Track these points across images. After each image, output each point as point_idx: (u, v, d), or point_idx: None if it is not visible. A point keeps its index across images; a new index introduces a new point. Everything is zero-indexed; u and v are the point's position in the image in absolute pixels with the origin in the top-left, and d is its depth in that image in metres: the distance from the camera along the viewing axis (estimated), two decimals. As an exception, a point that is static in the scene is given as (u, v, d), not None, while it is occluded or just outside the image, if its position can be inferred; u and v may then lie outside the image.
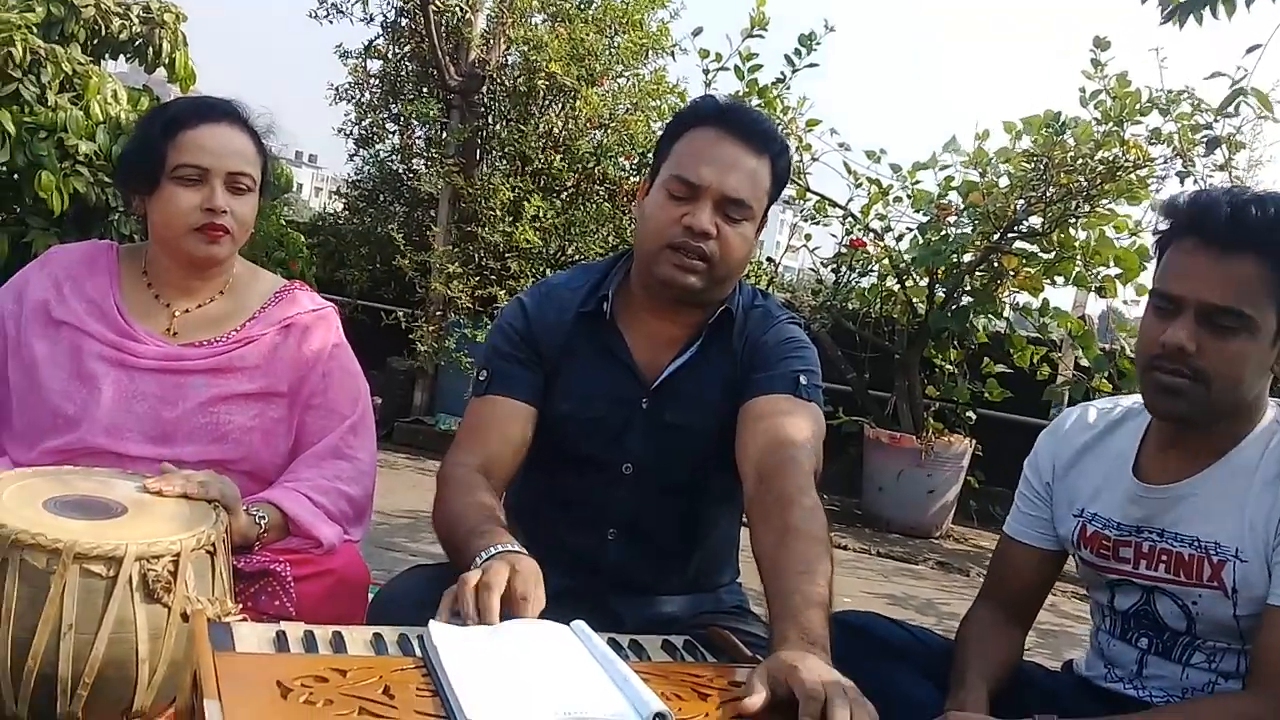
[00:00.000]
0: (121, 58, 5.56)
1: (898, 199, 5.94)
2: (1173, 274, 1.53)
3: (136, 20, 5.36)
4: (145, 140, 1.85)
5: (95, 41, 5.32)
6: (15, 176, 4.88)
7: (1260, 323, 1.47)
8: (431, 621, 1.27)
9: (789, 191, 5.55)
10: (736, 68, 5.72)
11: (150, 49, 5.45)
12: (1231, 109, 4.48)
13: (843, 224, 6.08)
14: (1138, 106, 5.13)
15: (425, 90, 7.04)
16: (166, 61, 5.49)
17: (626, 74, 6.73)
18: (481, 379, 1.78)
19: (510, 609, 1.32)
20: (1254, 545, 1.52)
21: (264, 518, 1.71)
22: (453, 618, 1.31)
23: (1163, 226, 1.59)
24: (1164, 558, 1.60)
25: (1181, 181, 5.08)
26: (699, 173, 1.68)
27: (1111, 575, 1.66)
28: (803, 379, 1.72)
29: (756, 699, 1.18)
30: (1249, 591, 1.52)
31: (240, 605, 1.49)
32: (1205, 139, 4.96)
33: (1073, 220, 5.39)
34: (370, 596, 1.80)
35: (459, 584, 1.35)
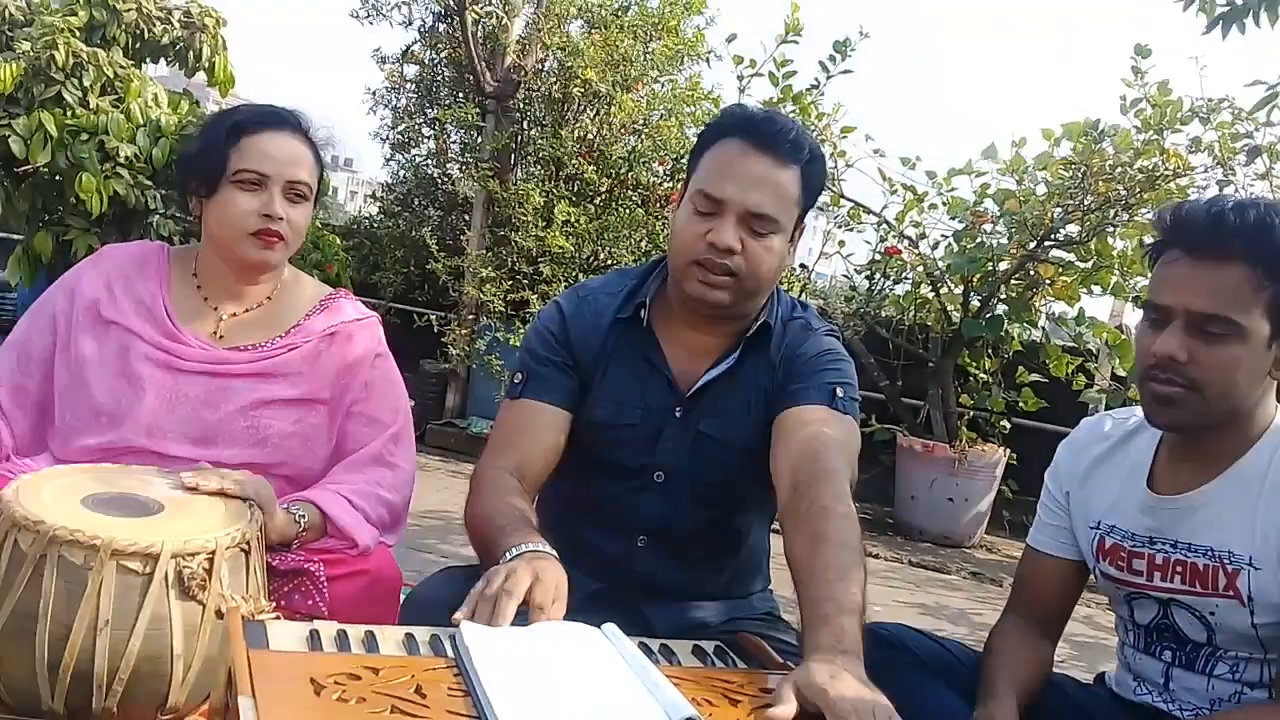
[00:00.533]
0: (162, 61, 5.62)
1: (933, 206, 5.91)
2: (1160, 285, 1.54)
3: (177, 24, 5.43)
4: (209, 143, 1.87)
5: (136, 45, 5.39)
6: (57, 178, 4.96)
7: (1249, 328, 1.47)
8: (464, 622, 1.28)
9: (823, 198, 5.53)
10: (771, 74, 5.71)
11: (190, 53, 5.52)
12: (1268, 116, 4.43)
13: (877, 230, 6.06)
14: (1179, 115, 5.08)
15: (461, 95, 7.09)
16: (206, 65, 5.56)
17: (661, 80, 6.74)
18: (516, 381, 1.78)
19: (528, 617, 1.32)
20: (1267, 553, 1.50)
21: (304, 516, 1.73)
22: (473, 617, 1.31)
23: (1152, 240, 1.59)
24: (1179, 569, 1.59)
25: (1221, 190, 5.02)
26: (722, 188, 1.67)
27: (1128, 588, 1.65)
28: (839, 391, 1.72)
29: (785, 711, 1.18)
30: (1265, 599, 1.51)
31: (274, 604, 1.50)
32: (1246, 148, 4.90)
33: (1111, 229, 5.34)
34: (403, 597, 1.81)
35: (481, 584, 1.36)
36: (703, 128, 1.82)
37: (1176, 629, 1.61)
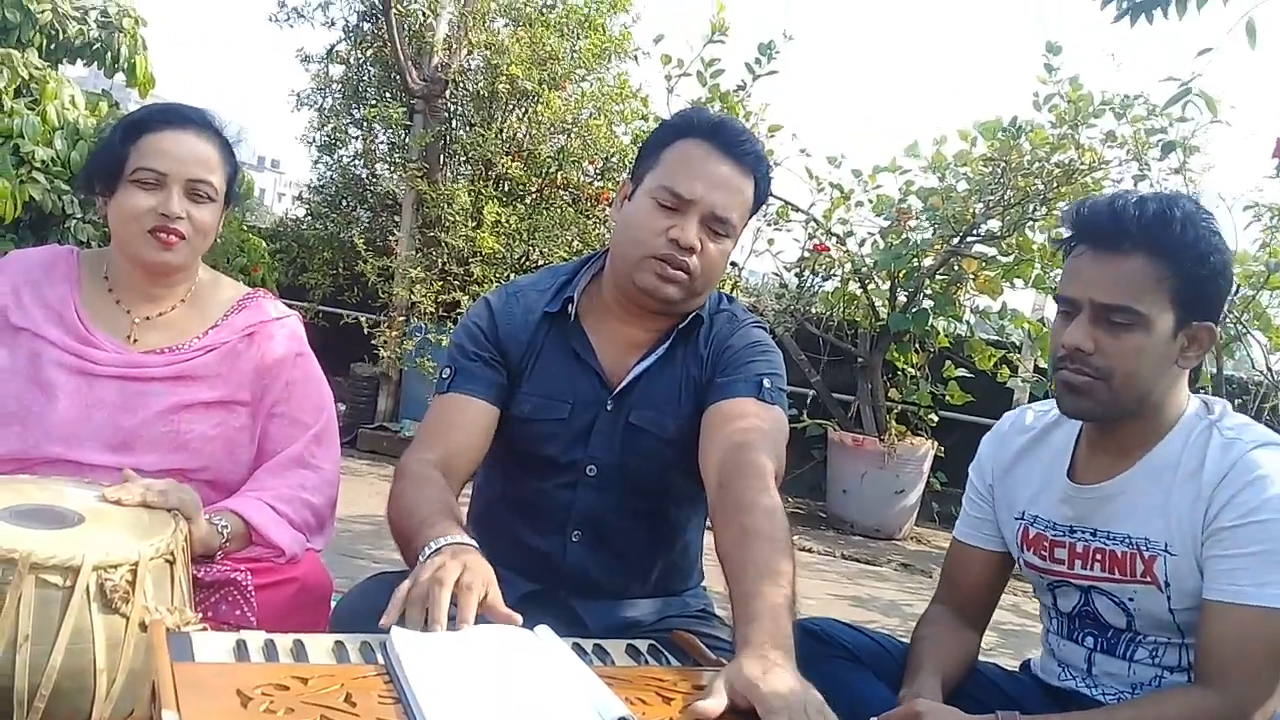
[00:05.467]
0: (79, 62, 5.50)
1: (859, 204, 6.00)
2: (1068, 278, 1.59)
3: (94, 24, 5.32)
4: (109, 142, 1.84)
5: (52, 46, 5.27)
6: (-30, 183, 4.82)
7: (1153, 318, 1.52)
8: (394, 628, 1.27)
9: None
10: (699, 73, 5.74)
11: (109, 53, 5.40)
12: (1181, 111, 4.56)
13: (805, 228, 6.12)
14: (1090, 109, 5.20)
15: (388, 94, 7.02)
16: (126, 66, 5.44)
17: (589, 79, 6.74)
18: (444, 376, 1.78)
19: (457, 600, 1.31)
20: (1181, 539, 1.55)
21: (226, 526, 1.70)
22: (401, 620, 1.31)
23: (1062, 236, 1.63)
24: (1099, 556, 1.63)
25: (1135, 185, 5.16)
26: (690, 186, 1.69)
27: (1051, 577, 1.70)
28: (766, 382, 1.73)
29: (714, 705, 1.19)
30: (1181, 585, 1.56)
31: (200, 615, 1.47)
32: (1160, 143, 5.04)
33: (1031, 223, 5.46)
34: (333, 605, 1.79)
35: (407, 584, 1.35)
36: (657, 125, 1.83)
37: (1098, 615, 1.66)
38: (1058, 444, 1.72)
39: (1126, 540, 1.60)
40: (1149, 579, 1.58)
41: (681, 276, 1.70)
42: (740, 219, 1.74)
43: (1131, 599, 1.61)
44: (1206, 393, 1.65)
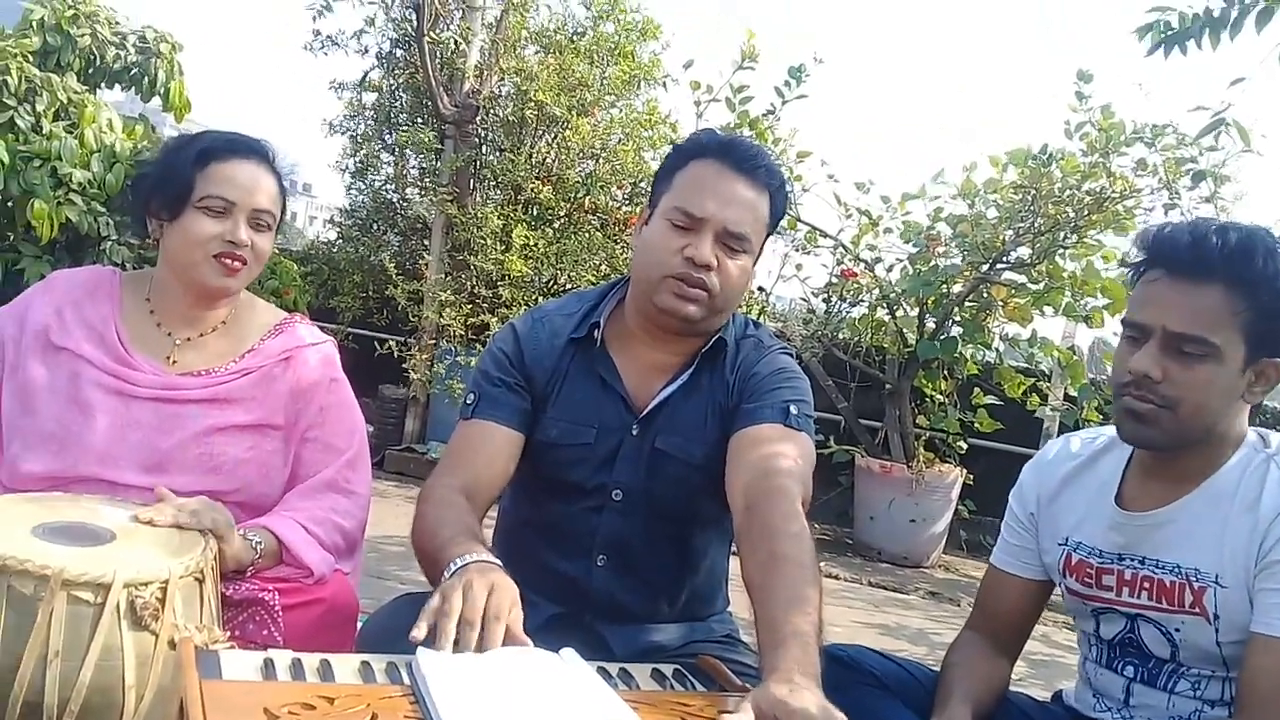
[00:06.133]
0: (117, 86, 5.58)
1: (888, 230, 5.99)
2: (1139, 303, 1.56)
3: (132, 49, 5.40)
4: (174, 166, 1.87)
5: (91, 70, 5.35)
6: (9, 204, 4.89)
7: (1225, 350, 1.49)
8: (420, 649, 1.27)
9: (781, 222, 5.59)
10: (728, 99, 5.77)
11: (146, 78, 5.48)
12: (1214, 141, 4.54)
13: (833, 254, 6.12)
14: (1122, 138, 5.18)
15: (419, 120, 7.09)
16: (162, 90, 5.52)
17: (618, 105, 6.78)
18: (469, 402, 1.79)
19: (484, 626, 1.32)
20: (1234, 571, 1.53)
21: (260, 543, 1.72)
22: (429, 637, 1.31)
23: (1134, 259, 1.61)
24: (1146, 585, 1.61)
25: (1166, 214, 5.13)
26: (702, 205, 1.70)
27: (1096, 604, 1.67)
28: (793, 409, 1.73)
29: (741, 719, 1.19)
30: (1231, 618, 1.53)
31: (228, 633, 1.48)
32: (1190, 171, 5.01)
33: (1061, 251, 5.43)
34: (360, 625, 1.79)
35: (436, 600, 1.35)
36: (669, 150, 1.84)
37: (1141, 644, 1.63)
38: (1105, 471, 1.70)
39: (1176, 570, 1.58)
40: (1197, 610, 1.56)
41: (700, 295, 1.70)
42: (756, 234, 1.74)
43: (1178, 629, 1.58)
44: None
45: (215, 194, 1.83)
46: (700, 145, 1.78)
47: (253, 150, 1.90)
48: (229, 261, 1.84)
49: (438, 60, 6.62)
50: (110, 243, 5.11)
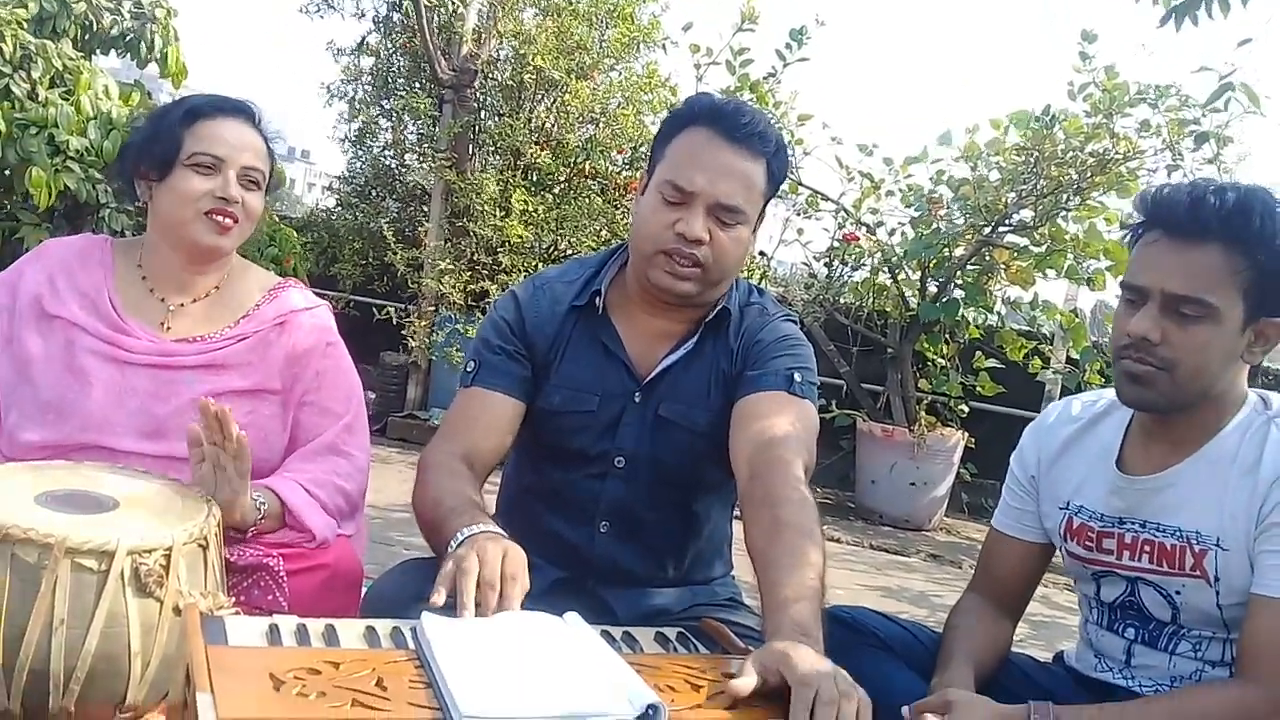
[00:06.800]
0: (113, 53, 5.54)
1: (890, 193, 5.95)
2: (1138, 265, 1.56)
3: (128, 15, 5.36)
4: (161, 127, 1.87)
5: (86, 37, 5.32)
6: (6, 172, 4.88)
7: (1224, 311, 1.49)
8: (424, 613, 1.28)
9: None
10: (728, 62, 5.72)
11: (142, 44, 5.44)
12: (1220, 104, 4.49)
13: (835, 218, 6.08)
14: (1126, 99, 5.14)
15: (417, 85, 7.04)
16: (158, 57, 5.48)
17: (618, 68, 6.72)
18: (469, 369, 1.78)
19: (502, 588, 1.33)
20: (1234, 534, 1.53)
21: (264, 504, 1.72)
22: (446, 602, 1.32)
23: (1132, 222, 1.60)
24: (1147, 548, 1.61)
25: (1169, 175, 5.09)
26: (692, 179, 1.67)
27: (1096, 567, 1.68)
28: (796, 376, 1.73)
29: (746, 683, 1.20)
30: (1231, 580, 1.54)
31: (233, 599, 1.49)
32: (1193, 133, 4.97)
33: (1063, 213, 5.40)
34: (364, 591, 1.80)
35: (451, 565, 1.36)
36: (666, 115, 1.81)
37: (1141, 607, 1.64)
38: (1106, 435, 1.69)
39: (1177, 533, 1.58)
40: (1198, 573, 1.56)
41: (694, 271, 1.69)
42: (751, 204, 1.72)
43: (1179, 592, 1.59)
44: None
45: (204, 151, 1.83)
46: (692, 113, 1.75)
47: (239, 110, 1.91)
48: (220, 218, 1.83)
49: (435, 24, 6.56)
50: (109, 210, 5.10)
